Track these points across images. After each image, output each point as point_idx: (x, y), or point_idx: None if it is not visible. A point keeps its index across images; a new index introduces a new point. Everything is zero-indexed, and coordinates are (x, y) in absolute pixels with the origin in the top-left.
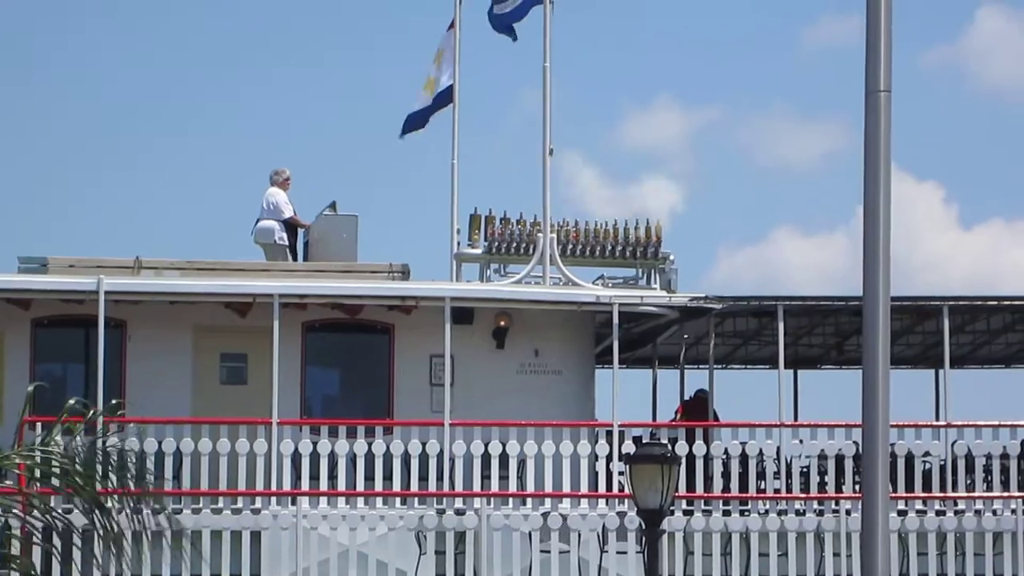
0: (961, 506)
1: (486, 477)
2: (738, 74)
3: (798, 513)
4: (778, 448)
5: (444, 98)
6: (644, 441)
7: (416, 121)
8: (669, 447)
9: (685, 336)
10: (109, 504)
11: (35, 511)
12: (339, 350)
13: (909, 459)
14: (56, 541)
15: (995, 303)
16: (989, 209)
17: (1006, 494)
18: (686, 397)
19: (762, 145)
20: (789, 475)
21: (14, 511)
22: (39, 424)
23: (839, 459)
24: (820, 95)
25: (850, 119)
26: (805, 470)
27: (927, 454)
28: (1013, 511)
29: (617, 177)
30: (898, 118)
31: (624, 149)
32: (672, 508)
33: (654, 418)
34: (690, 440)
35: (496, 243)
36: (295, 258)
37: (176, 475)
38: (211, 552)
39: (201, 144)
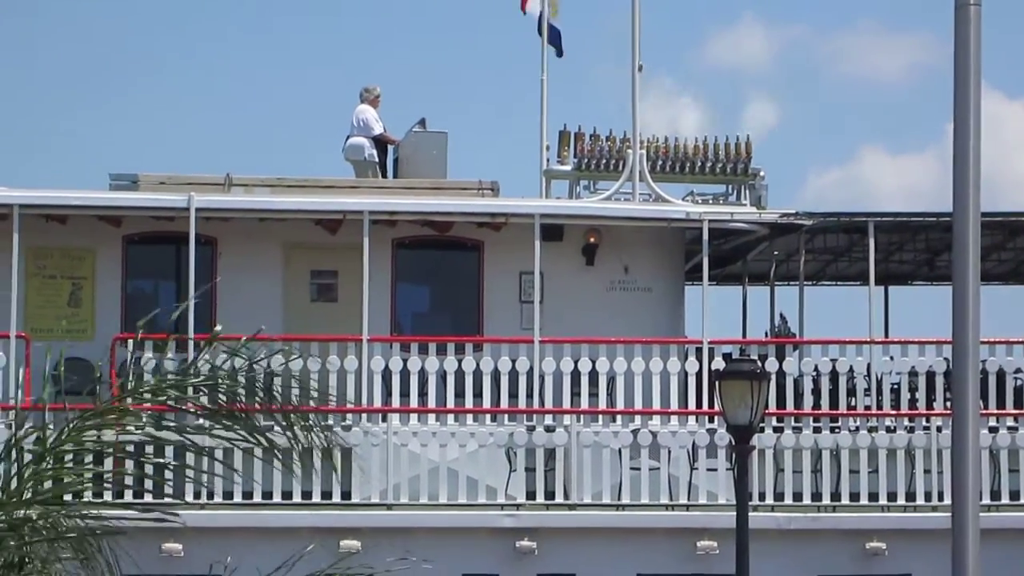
0: None
1: (576, 394)
2: None
3: (889, 430)
4: (869, 365)
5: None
6: (734, 358)
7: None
8: (759, 364)
9: (775, 253)
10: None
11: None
12: (429, 267)
13: (1000, 376)
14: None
15: None
16: None
17: None
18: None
19: (847, 62)
20: (880, 392)
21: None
22: (130, 341)
23: (930, 376)
24: (907, 10)
25: (938, 36)
26: (896, 387)
27: (1018, 371)
28: None
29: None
30: (989, 35)
31: (710, 70)
32: (762, 425)
33: (744, 335)
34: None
35: (585, 160)
36: (385, 175)
37: (267, 392)
38: (301, 469)
39: (293, 61)
